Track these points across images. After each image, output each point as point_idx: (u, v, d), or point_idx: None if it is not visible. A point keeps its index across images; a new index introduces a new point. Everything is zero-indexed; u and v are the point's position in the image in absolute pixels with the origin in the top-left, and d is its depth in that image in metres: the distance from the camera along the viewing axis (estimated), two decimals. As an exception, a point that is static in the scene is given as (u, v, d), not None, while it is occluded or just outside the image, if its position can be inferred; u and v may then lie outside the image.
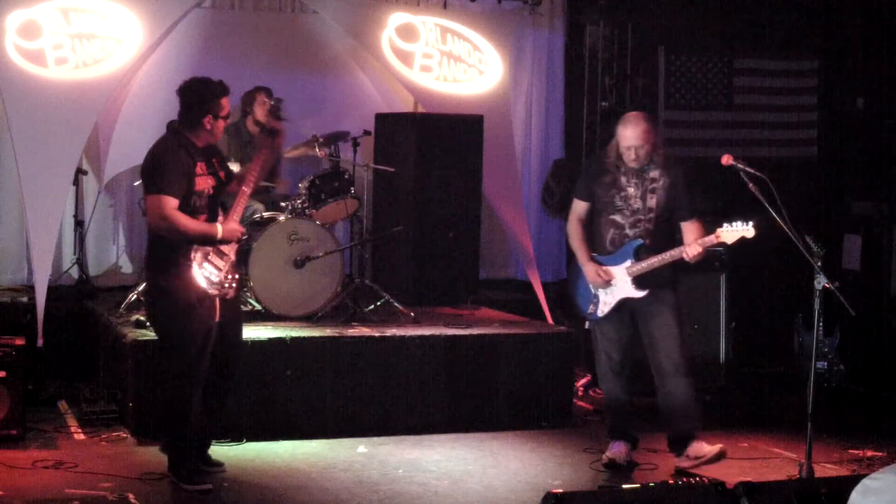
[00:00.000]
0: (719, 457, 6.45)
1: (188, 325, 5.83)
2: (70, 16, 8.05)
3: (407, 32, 9.14)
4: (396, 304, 8.16)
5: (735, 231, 6.27)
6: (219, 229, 5.89)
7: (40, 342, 7.52)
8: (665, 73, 10.29)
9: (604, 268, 6.47)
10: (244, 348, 6.57)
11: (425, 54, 9.18)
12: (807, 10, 10.57)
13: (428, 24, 9.24)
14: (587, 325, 6.78)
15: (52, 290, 7.86)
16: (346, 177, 8.24)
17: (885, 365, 9.04)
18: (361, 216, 8.54)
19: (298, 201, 8.05)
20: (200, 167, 5.93)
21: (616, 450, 6.64)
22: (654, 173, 6.46)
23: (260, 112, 8.69)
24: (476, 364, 7.58)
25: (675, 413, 6.56)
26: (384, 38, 9.05)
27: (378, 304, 8.23)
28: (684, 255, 6.33)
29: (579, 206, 6.63)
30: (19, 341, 6.85)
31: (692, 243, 6.32)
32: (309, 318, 7.74)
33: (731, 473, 6.42)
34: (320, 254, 7.78)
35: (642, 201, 6.45)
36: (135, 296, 7.79)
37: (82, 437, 6.93)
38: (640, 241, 6.44)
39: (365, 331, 7.57)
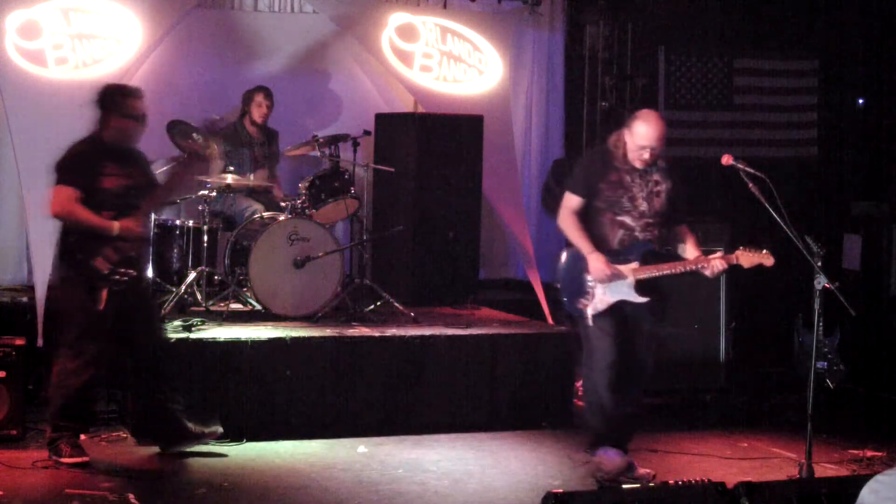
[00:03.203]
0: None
1: (72, 310, 6.32)
2: (70, 16, 8.05)
3: (407, 32, 9.14)
4: (396, 304, 8.16)
5: (753, 255, 6.16)
6: (115, 226, 6.20)
7: (40, 342, 7.51)
8: (665, 73, 10.28)
9: (611, 263, 6.16)
10: (159, 341, 6.67)
11: (425, 54, 9.18)
12: (807, 10, 10.56)
13: (428, 24, 9.24)
14: (589, 319, 6.25)
15: (52, 290, 7.83)
16: (346, 177, 8.24)
17: (885, 365, 9.04)
18: (361, 216, 8.54)
19: (298, 201, 8.05)
20: (111, 167, 6.29)
21: (617, 459, 6.29)
22: (657, 176, 6.26)
23: (256, 113, 8.69)
24: (476, 364, 7.58)
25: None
26: (384, 38, 9.05)
27: (378, 304, 8.23)
28: (709, 272, 6.17)
29: (574, 201, 6.31)
30: (19, 341, 6.86)
31: (715, 259, 6.15)
32: (309, 318, 7.74)
33: (731, 473, 6.43)
34: (320, 254, 7.79)
35: (647, 203, 6.23)
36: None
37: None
38: (650, 244, 6.25)
39: (365, 331, 7.57)
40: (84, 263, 6.21)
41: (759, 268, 6.22)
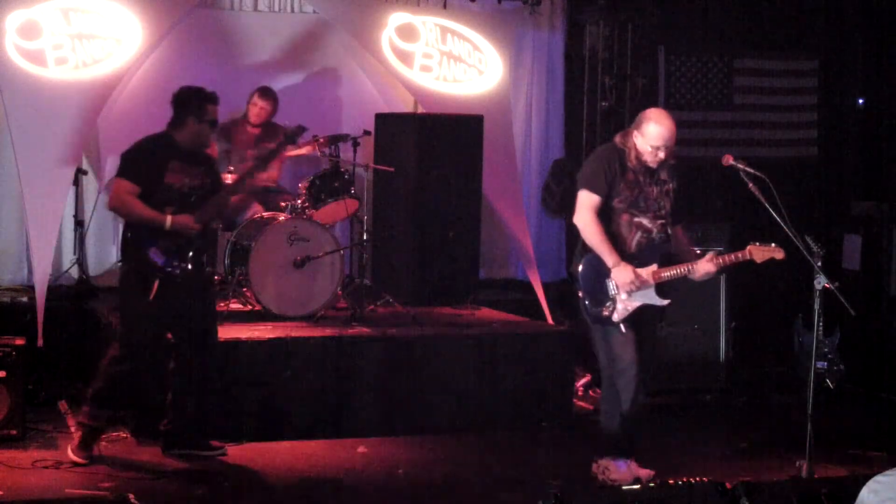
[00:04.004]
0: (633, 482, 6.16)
1: (124, 301, 6.54)
2: (70, 16, 8.05)
3: (407, 32, 9.13)
4: (396, 304, 8.16)
5: (766, 251, 6.09)
6: (168, 219, 6.27)
7: (40, 342, 7.52)
8: (665, 73, 10.28)
9: (638, 271, 6.09)
10: (207, 343, 6.66)
11: (425, 54, 9.18)
12: (807, 10, 10.57)
13: (428, 24, 9.24)
14: (616, 322, 6.14)
15: (52, 290, 7.86)
16: (346, 177, 8.24)
17: (885, 365, 9.04)
18: (361, 216, 8.54)
19: (298, 201, 8.05)
20: (177, 165, 6.37)
21: (625, 470, 6.24)
22: (664, 175, 6.21)
23: (252, 112, 8.67)
24: (476, 364, 7.58)
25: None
26: (384, 38, 9.04)
27: (378, 304, 8.23)
28: (697, 275, 6.14)
29: (594, 201, 6.12)
30: (19, 341, 6.86)
31: (723, 256, 6.12)
32: (309, 318, 7.74)
33: (731, 473, 6.43)
34: (320, 254, 7.79)
35: (658, 203, 6.18)
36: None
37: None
38: (666, 245, 6.19)
39: (365, 331, 7.57)
40: (138, 255, 6.32)
41: (771, 261, 6.12)
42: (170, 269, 6.33)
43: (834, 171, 10.64)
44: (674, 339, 8.30)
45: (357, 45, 9.30)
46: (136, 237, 6.35)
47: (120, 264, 6.65)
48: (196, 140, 6.51)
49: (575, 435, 7.36)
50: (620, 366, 6.19)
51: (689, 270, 6.16)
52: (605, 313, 6.17)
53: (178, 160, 6.39)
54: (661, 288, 6.18)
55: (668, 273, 6.14)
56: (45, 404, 7.50)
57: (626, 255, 6.14)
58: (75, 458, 6.33)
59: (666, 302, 6.21)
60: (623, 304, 6.15)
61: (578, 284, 6.29)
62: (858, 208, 10.10)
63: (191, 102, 6.45)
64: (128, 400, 6.67)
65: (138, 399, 6.83)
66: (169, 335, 6.58)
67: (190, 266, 6.39)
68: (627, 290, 6.11)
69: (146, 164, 6.36)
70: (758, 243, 6.14)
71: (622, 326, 6.16)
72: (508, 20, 9.71)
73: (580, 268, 6.26)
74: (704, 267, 6.12)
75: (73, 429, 6.50)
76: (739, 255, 6.14)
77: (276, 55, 9.35)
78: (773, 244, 6.14)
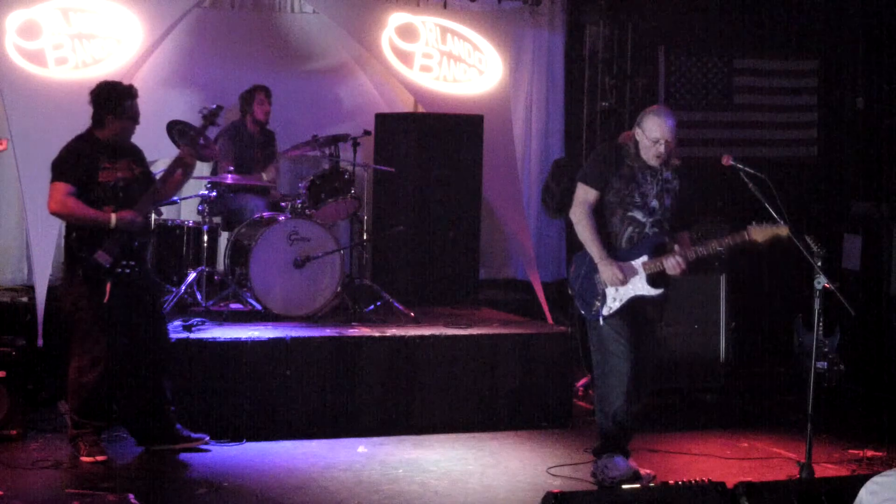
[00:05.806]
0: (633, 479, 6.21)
1: (79, 307, 6.39)
2: (70, 16, 8.06)
3: (407, 32, 9.14)
4: (396, 304, 8.16)
5: (766, 229, 6.01)
6: (112, 218, 6.26)
7: (40, 342, 7.52)
8: (665, 73, 10.29)
9: (622, 265, 6.10)
10: (161, 336, 6.67)
11: (425, 54, 9.18)
12: (807, 10, 10.57)
13: (428, 24, 9.25)
14: (606, 316, 6.16)
15: (52, 290, 7.85)
16: (346, 177, 8.24)
17: (885, 365, 9.03)
18: (361, 216, 8.55)
19: (298, 201, 8.06)
20: (107, 163, 6.37)
21: (624, 467, 6.24)
22: (667, 175, 6.21)
23: (260, 111, 8.69)
24: (476, 364, 7.58)
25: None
26: (384, 38, 9.06)
27: (378, 304, 8.23)
28: (704, 252, 6.10)
29: (591, 195, 6.18)
30: (19, 341, 6.87)
31: (718, 240, 6.10)
32: (309, 318, 7.74)
33: (731, 473, 6.43)
34: (320, 254, 7.79)
35: (658, 201, 6.16)
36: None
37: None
38: (661, 238, 6.15)
39: (365, 331, 7.57)
40: (86, 259, 6.27)
41: (776, 240, 6.04)
42: (119, 270, 6.30)
43: (834, 171, 10.65)
44: (674, 338, 8.29)
45: (357, 45, 9.30)
46: (82, 241, 6.31)
47: (63, 271, 6.50)
48: (120, 135, 6.47)
49: (575, 435, 7.36)
50: (613, 362, 6.19)
51: (662, 263, 6.11)
52: (595, 310, 6.19)
53: (107, 157, 6.38)
54: (653, 279, 6.16)
55: (652, 264, 6.12)
56: (45, 404, 7.48)
57: (615, 250, 6.16)
58: (94, 460, 6.34)
59: (657, 292, 6.16)
60: (612, 299, 6.16)
61: (570, 281, 6.35)
62: (858, 208, 10.10)
63: (111, 100, 6.42)
64: (111, 403, 6.64)
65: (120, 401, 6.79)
66: (124, 337, 6.51)
67: (137, 263, 6.38)
68: (612, 284, 6.13)
69: (79, 166, 6.33)
70: (760, 222, 6.04)
71: (612, 322, 6.15)
72: (508, 20, 9.72)
73: (572, 265, 6.34)
74: (670, 261, 6.07)
75: (71, 444, 6.47)
76: (737, 237, 6.07)
77: (276, 55, 9.35)
78: (779, 222, 6.04)
